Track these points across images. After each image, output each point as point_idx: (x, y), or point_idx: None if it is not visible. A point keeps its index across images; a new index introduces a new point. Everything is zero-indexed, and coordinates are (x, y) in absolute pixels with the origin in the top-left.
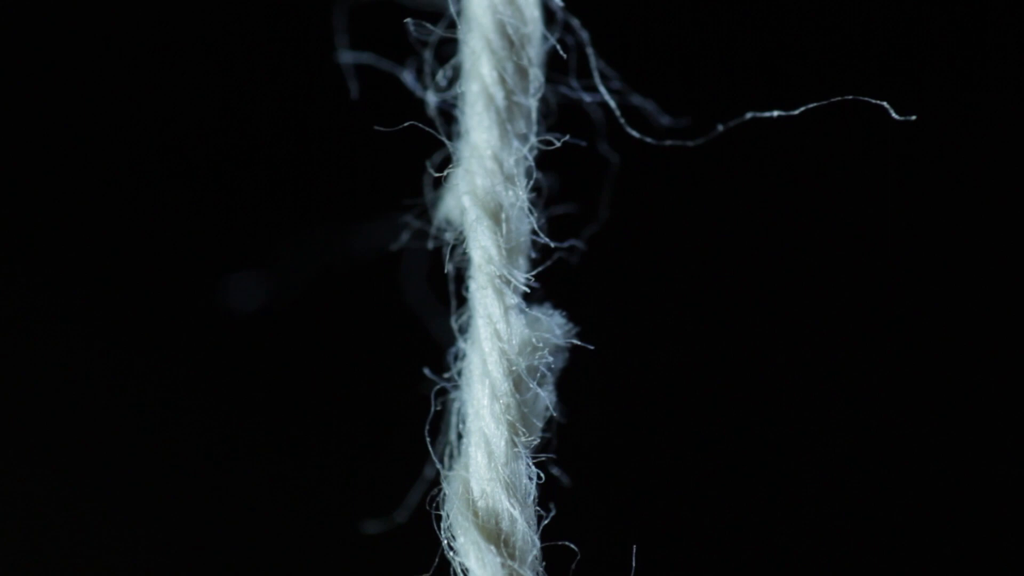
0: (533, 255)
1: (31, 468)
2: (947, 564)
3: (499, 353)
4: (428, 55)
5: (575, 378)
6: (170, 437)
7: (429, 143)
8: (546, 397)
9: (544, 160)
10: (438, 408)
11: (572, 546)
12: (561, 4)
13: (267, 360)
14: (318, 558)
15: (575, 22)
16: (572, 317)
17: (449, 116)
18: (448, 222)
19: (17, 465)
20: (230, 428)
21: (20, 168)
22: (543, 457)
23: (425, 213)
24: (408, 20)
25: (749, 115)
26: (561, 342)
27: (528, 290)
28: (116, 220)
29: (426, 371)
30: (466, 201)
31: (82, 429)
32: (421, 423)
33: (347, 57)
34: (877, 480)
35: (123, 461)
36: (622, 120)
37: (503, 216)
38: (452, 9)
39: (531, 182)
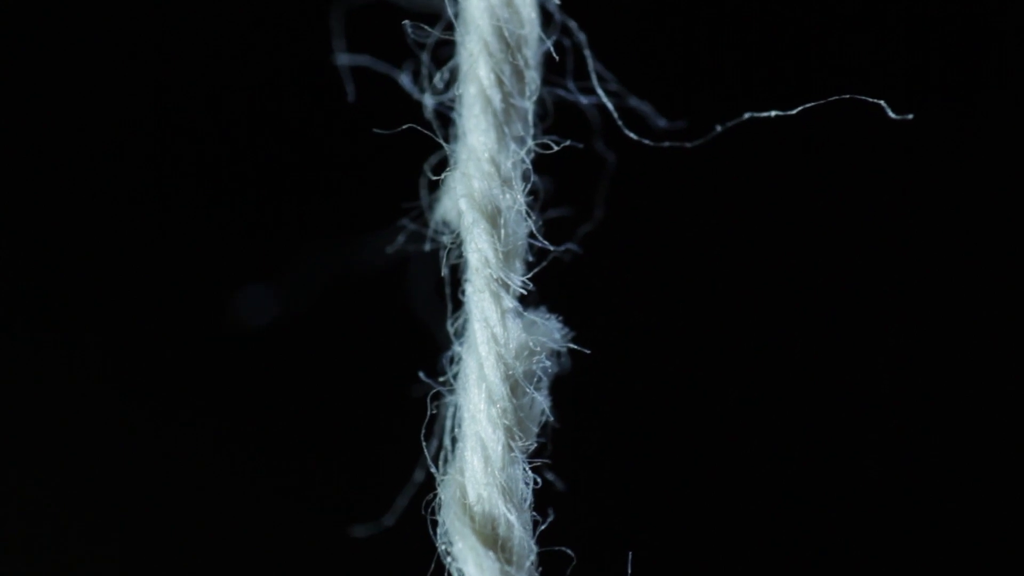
0: (529, 258)
1: (31, 469)
2: (947, 564)
3: (496, 357)
4: (425, 57)
5: (571, 382)
6: (166, 440)
7: (426, 146)
8: (542, 401)
9: (541, 162)
10: (433, 412)
11: (568, 551)
12: (558, 4)
13: (258, 364)
14: (314, 564)
15: (572, 24)
16: (569, 321)
17: (446, 119)
18: (445, 225)
19: (19, 467)
20: (223, 431)
21: (29, 180)
22: (539, 462)
23: (422, 216)
24: (405, 22)
25: (747, 115)
26: (558, 346)
27: (525, 293)
28: (120, 235)
29: (421, 375)
30: (463, 204)
31: (84, 432)
32: (415, 427)
33: (344, 59)
34: (877, 487)
35: (120, 464)
36: (619, 122)
37: (500, 219)
38: (449, 11)
39: (528, 185)
